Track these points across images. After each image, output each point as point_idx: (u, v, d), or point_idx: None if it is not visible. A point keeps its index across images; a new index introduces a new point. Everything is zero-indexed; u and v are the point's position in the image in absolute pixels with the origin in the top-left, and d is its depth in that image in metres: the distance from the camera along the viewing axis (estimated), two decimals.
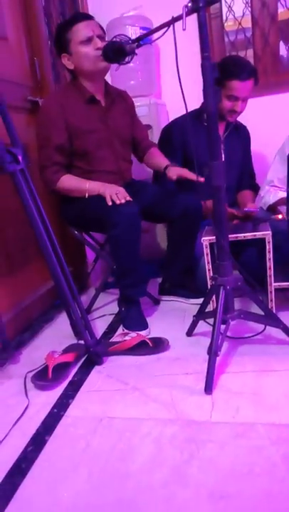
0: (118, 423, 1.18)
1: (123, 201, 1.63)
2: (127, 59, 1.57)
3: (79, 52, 1.71)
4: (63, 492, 0.96)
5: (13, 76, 1.88)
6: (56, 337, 1.76)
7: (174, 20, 1.28)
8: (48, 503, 0.94)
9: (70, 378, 1.45)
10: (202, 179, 1.68)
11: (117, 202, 1.62)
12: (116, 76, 2.07)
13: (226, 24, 2.54)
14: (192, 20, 1.22)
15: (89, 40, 1.68)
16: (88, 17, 1.74)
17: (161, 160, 1.94)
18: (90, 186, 1.74)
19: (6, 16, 1.86)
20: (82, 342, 1.54)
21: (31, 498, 0.96)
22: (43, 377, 1.42)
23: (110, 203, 1.63)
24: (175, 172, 1.80)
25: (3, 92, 1.42)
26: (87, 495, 0.95)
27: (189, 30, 1.23)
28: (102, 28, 1.75)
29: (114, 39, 1.57)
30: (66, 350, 1.57)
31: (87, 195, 1.74)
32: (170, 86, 2.46)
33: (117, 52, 1.54)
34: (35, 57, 2.04)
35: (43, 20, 2.07)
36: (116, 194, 1.64)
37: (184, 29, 1.20)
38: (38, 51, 2.05)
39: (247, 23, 2.51)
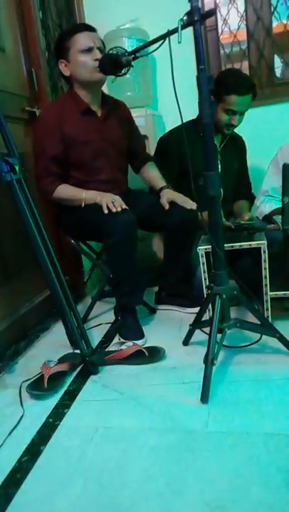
0: (114, 433, 1.17)
1: (119, 209, 1.64)
2: (123, 71, 1.59)
3: (77, 61, 1.73)
4: (59, 502, 0.95)
5: (10, 87, 1.90)
6: (52, 346, 1.76)
7: (170, 33, 1.31)
8: None
9: (65, 388, 1.44)
10: (194, 206, 1.72)
11: (114, 210, 1.63)
12: (113, 87, 2.09)
13: (221, 37, 2.58)
14: (188, 32, 1.24)
15: (89, 50, 1.71)
16: (92, 29, 1.77)
17: (156, 180, 1.96)
18: (87, 195, 1.75)
19: (3, 28, 1.88)
20: (78, 351, 1.54)
21: (26, 508, 0.95)
22: (38, 387, 1.41)
23: (106, 211, 1.64)
24: (168, 197, 1.83)
25: (1, 102, 1.43)
26: (82, 505, 0.94)
27: (185, 42, 1.25)
28: (103, 43, 1.78)
29: (111, 51, 1.60)
30: (62, 360, 1.56)
31: (83, 204, 1.75)
32: (166, 97, 2.48)
33: (114, 64, 1.56)
34: (32, 69, 2.06)
35: (41, 33, 2.10)
36: (112, 202, 1.65)
37: (179, 42, 1.22)
38: (36, 62, 2.07)
39: (242, 35, 2.55)
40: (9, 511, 0.94)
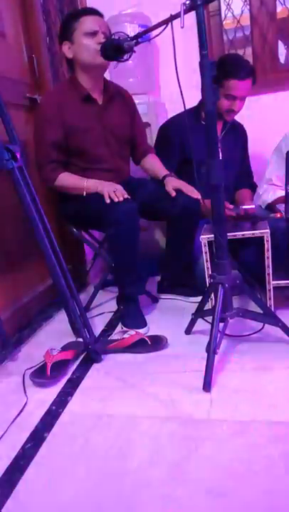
0: (116, 420, 1.18)
1: (121, 199, 1.63)
2: (125, 56, 1.56)
3: (81, 43, 1.71)
4: (61, 489, 0.96)
5: (11, 73, 1.87)
6: (55, 334, 1.76)
7: (172, 17, 1.28)
8: (47, 499, 0.94)
9: (68, 376, 1.45)
10: (199, 196, 1.70)
11: (115, 200, 1.62)
12: (115, 74, 2.07)
13: (224, 22, 2.53)
14: (191, 17, 1.22)
15: (93, 34, 1.69)
16: (100, 14, 1.74)
17: (159, 169, 1.94)
18: (88, 184, 1.74)
19: (4, 13, 1.85)
20: (80, 340, 1.55)
21: (30, 494, 0.96)
22: (41, 375, 1.42)
23: (108, 201, 1.63)
24: (173, 185, 1.81)
25: (1, 89, 1.42)
26: (85, 492, 0.95)
27: (188, 28, 1.23)
28: (108, 29, 1.75)
29: (113, 36, 1.57)
30: (65, 348, 1.57)
31: (85, 193, 1.74)
32: (169, 84, 2.45)
33: (116, 49, 1.53)
34: (33, 55, 2.03)
35: (41, 18, 2.06)
36: (114, 192, 1.64)
37: (182, 27, 1.20)
38: (37, 48, 2.05)
39: (246, 21, 2.51)
40: (13, 498, 0.95)
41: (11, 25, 1.91)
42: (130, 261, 1.72)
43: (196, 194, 1.77)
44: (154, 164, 1.98)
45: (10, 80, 1.85)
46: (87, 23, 1.69)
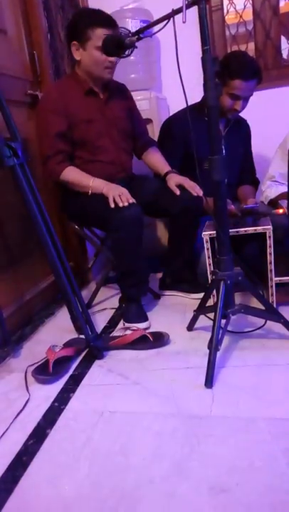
0: (119, 417, 1.18)
1: (126, 204, 1.61)
2: (126, 52, 1.56)
3: (93, 56, 1.69)
4: (64, 485, 0.97)
5: (12, 70, 1.87)
6: (57, 331, 1.77)
7: (175, 12, 1.28)
8: (49, 495, 0.95)
9: (70, 372, 1.45)
10: (201, 193, 1.69)
11: (120, 204, 1.61)
12: (116, 69, 2.06)
13: (227, 17, 2.52)
14: (193, 12, 1.21)
15: None
16: (114, 25, 1.69)
17: (161, 164, 1.93)
18: (94, 184, 1.72)
19: (5, 10, 1.84)
20: (82, 336, 1.55)
21: (32, 490, 0.97)
22: (43, 372, 1.42)
23: (113, 205, 1.62)
24: (175, 181, 1.81)
25: (3, 86, 1.41)
26: (88, 488, 0.95)
27: (190, 23, 1.22)
28: None
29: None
30: (67, 345, 1.57)
31: (90, 192, 1.73)
32: (171, 80, 2.44)
33: (117, 45, 1.53)
34: (34, 51, 2.03)
35: (43, 14, 2.05)
36: (119, 196, 1.63)
37: (184, 22, 1.19)
38: (38, 45, 2.04)
39: (248, 15, 2.49)
40: (16, 493, 0.96)
41: (13, 22, 1.90)
42: (133, 264, 1.72)
43: (198, 190, 1.76)
44: (156, 159, 1.97)
45: (11, 76, 1.85)
46: (103, 37, 1.62)
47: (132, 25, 2.19)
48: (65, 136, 1.76)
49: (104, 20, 1.68)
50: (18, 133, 1.44)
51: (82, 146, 1.80)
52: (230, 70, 1.81)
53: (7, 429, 1.18)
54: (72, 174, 1.76)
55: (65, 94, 1.75)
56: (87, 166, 1.79)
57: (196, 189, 1.77)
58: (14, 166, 1.40)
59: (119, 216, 1.60)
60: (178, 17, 1.25)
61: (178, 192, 1.77)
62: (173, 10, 1.27)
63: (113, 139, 1.85)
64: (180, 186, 1.79)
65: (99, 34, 1.65)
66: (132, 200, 1.63)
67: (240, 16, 2.51)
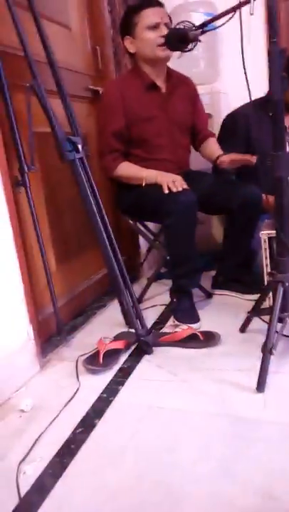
0: (166, 413, 1.18)
1: (180, 189, 1.61)
2: (190, 46, 1.54)
3: (143, 37, 1.71)
4: (110, 475, 0.98)
5: (75, 65, 1.91)
6: (108, 324, 1.79)
7: (242, 4, 1.24)
8: (95, 483, 0.96)
9: (120, 365, 1.46)
10: (254, 160, 1.64)
11: (174, 190, 1.61)
12: (177, 63, 2.04)
13: None
14: (259, 3, 1.17)
15: (156, 27, 1.68)
16: (159, 4, 1.73)
17: (215, 149, 1.90)
18: (148, 174, 1.74)
19: (70, 6, 1.88)
20: (133, 330, 1.56)
21: (79, 478, 0.98)
22: (94, 362, 1.44)
23: (167, 191, 1.62)
24: (228, 157, 1.77)
25: (66, 81, 1.44)
26: (132, 480, 0.96)
27: (255, 15, 1.17)
28: (169, 17, 1.74)
29: (178, 26, 1.54)
30: (117, 337, 1.59)
31: (144, 183, 1.74)
32: (231, 74, 2.38)
33: (180, 39, 1.51)
34: (97, 46, 2.06)
35: (106, 9, 2.08)
36: (173, 182, 1.63)
37: (251, 14, 1.15)
38: (101, 40, 2.07)
39: None
40: (63, 479, 0.98)
41: (77, 17, 1.94)
42: (186, 252, 1.70)
43: (252, 159, 1.71)
44: (212, 147, 1.94)
45: (74, 71, 1.89)
46: (149, 16, 1.68)
47: (196, 18, 2.15)
48: (122, 135, 1.77)
49: (146, 1, 1.71)
50: (79, 128, 1.46)
51: (139, 144, 1.81)
52: None
53: (57, 416, 1.21)
54: (125, 169, 1.79)
55: (125, 91, 1.76)
56: (142, 164, 1.80)
57: (250, 158, 1.72)
58: (74, 161, 1.42)
59: (173, 201, 1.60)
60: (244, 8, 1.21)
61: (227, 161, 1.76)
62: (240, 1, 1.24)
63: (172, 137, 1.84)
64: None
65: (144, 14, 1.69)
66: (185, 186, 1.63)
67: None
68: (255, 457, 0.98)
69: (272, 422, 1.10)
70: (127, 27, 1.75)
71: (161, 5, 1.73)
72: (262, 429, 1.07)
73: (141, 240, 2.32)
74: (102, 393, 1.31)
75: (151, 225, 2.12)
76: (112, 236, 1.55)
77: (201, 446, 1.04)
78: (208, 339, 1.53)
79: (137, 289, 2.08)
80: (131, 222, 1.97)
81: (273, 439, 1.04)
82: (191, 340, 1.53)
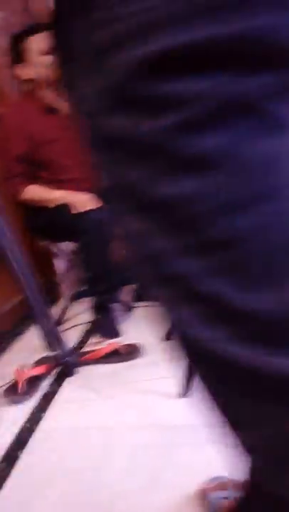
0: (92, 433, 1.15)
1: (88, 208, 1.62)
2: None
3: (38, 62, 1.69)
4: (38, 505, 0.93)
5: None
6: (28, 350, 1.72)
7: None
8: None
9: (43, 391, 1.41)
10: None
11: (81, 210, 1.62)
12: None
13: None
14: None
15: (49, 52, 1.68)
16: (47, 27, 1.72)
17: None
18: (56, 195, 1.73)
19: None
20: (53, 353, 1.51)
21: None
22: (13, 392, 1.37)
23: (76, 211, 1.62)
24: None
25: None
26: (59, 507, 0.92)
27: None
28: None
29: None
30: (38, 363, 1.53)
31: (53, 204, 1.72)
32: None
33: None
34: None
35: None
36: (82, 201, 1.63)
37: None
38: None
39: None
40: None
41: None
42: (103, 270, 1.71)
43: None
44: None
45: None
46: (39, 41, 1.65)
47: None
48: (25, 159, 1.75)
49: (33, 28, 1.68)
50: None
51: (45, 166, 1.79)
52: None
53: None
54: (33, 191, 1.77)
55: (27, 115, 1.75)
56: (50, 186, 1.78)
57: None
58: None
59: (84, 220, 1.61)
60: None
61: None
62: None
63: (77, 156, 1.84)
64: None
65: (34, 41, 1.66)
66: (95, 205, 1.64)
67: None
68: (184, 462, 0.99)
69: (197, 425, 1.12)
70: (17, 55, 1.71)
71: (49, 28, 1.72)
72: (188, 434, 1.09)
73: (56, 260, 2.27)
74: (25, 423, 1.25)
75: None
76: (24, 258, 1.49)
77: (128, 460, 1.03)
78: (131, 352, 1.54)
79: (56, 310, 2.03)
80: (44, 243, 1.93)
81: (198, 441, 1.05)
82: (114, 355, 1.52)
